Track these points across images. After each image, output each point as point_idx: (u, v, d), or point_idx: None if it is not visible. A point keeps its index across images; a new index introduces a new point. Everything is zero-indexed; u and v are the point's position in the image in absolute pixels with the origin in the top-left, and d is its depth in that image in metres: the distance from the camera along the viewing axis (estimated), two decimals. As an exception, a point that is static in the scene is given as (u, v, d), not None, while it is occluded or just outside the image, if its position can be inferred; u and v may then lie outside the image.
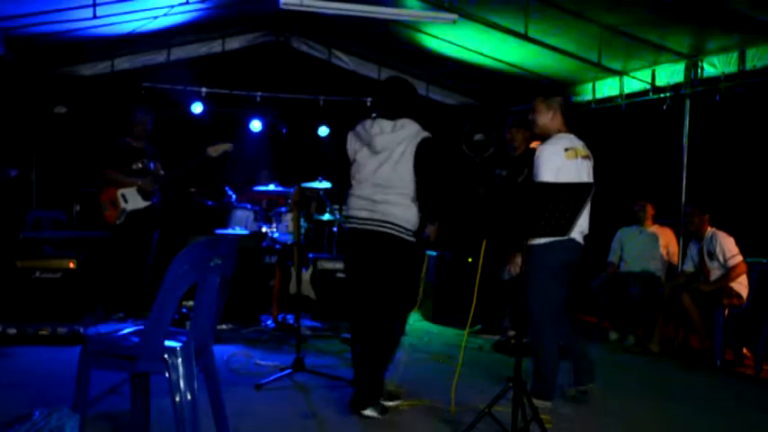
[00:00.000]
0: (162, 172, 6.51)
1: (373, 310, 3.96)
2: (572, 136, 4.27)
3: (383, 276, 3.95)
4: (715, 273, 5.76)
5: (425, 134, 3.96)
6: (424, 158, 3.89)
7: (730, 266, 5.63)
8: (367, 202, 3.95)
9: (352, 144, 4.06)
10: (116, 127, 6.65)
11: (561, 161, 4.10)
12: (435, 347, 5.96)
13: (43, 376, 4.53)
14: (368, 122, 4.03)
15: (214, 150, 6.27)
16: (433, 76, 8.68)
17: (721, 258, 5.67)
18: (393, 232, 3.91)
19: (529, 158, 6.39)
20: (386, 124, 3.96)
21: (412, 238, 3.99)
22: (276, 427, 3.74)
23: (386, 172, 3.91)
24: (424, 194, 3.95)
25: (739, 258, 5.63)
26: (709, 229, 5.80)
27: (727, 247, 5.66)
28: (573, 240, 4.10)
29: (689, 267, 5.99)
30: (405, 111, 4.00)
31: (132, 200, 6.35)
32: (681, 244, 6.51)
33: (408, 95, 4.08)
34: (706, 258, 5.80)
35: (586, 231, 4.30)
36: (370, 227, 3.93)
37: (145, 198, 6.39)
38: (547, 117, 4.28)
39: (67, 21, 5.87)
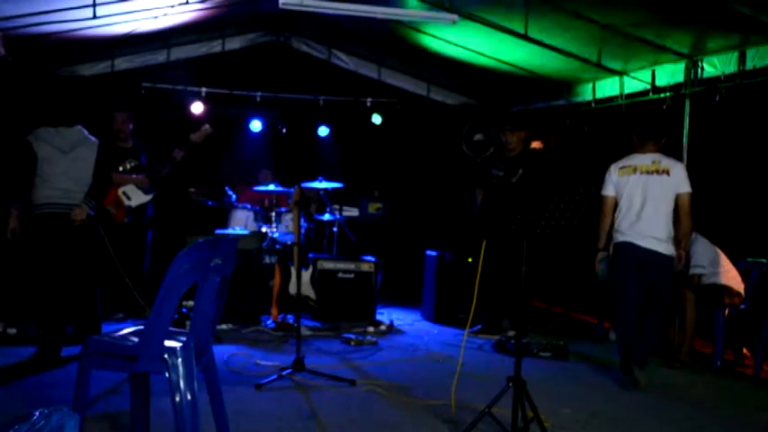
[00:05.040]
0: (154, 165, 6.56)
1: None
2: (641, 155, 4.96)
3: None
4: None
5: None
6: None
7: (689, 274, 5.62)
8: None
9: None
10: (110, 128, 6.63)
11: (616, 178, 4.99)
12: (435, 347, 5.96)
13: (43, 376, 4.53)
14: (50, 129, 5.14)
15: (198, 137, 6.35)
16: (433, 76, 8.68)
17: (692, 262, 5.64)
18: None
19: (525, 159, 6.42)
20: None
21: None
22: (276, 427, 3.74)
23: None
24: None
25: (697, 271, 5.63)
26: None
27: (699, 252, 5.62)
28: (631, 244, 4.79)
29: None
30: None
31: (135, 196, 6.39)
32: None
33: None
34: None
35: (656, 235, 4.70)
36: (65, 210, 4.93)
37: (146, 192, 6.44)
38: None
39: (67, 21, 5.86)
